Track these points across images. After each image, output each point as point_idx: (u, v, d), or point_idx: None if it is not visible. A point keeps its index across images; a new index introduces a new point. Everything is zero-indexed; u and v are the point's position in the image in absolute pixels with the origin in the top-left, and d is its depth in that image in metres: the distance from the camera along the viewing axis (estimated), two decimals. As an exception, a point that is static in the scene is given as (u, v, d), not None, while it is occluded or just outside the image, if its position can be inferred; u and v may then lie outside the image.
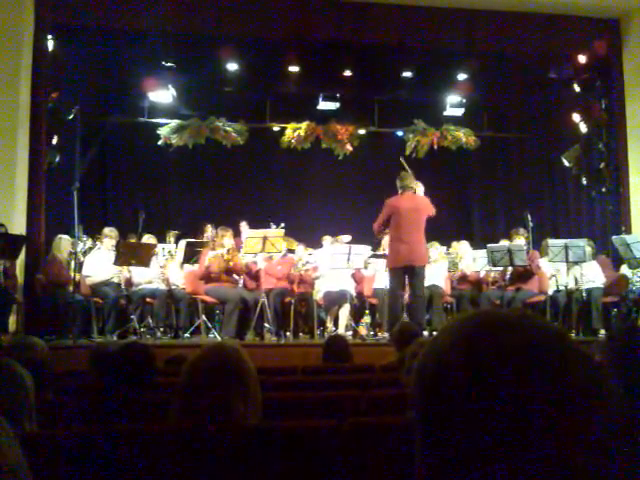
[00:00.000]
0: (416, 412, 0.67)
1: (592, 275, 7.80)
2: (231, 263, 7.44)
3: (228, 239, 7.48)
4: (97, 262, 7.58)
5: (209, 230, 8.86)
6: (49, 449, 1.69)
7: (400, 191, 6.85)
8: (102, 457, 1.67)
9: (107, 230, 7.85)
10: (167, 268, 8.04)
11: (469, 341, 0.64)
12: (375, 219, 6.88)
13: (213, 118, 10.05)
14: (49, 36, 7.83)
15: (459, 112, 10.38)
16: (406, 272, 6.72)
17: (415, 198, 6.87)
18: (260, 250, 7.52)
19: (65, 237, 7.48)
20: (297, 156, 10.56)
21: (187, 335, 7.63)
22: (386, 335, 7.00)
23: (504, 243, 8.05)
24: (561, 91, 9.83)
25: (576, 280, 7.73)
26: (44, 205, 7.65)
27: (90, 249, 8.00)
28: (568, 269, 7.85)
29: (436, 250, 8.22)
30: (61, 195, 7.83)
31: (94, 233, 8.30)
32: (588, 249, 7.64)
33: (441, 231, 8.54)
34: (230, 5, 8.23)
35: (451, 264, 8.55)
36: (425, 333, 7.52)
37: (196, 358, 1.78)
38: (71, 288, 6.91)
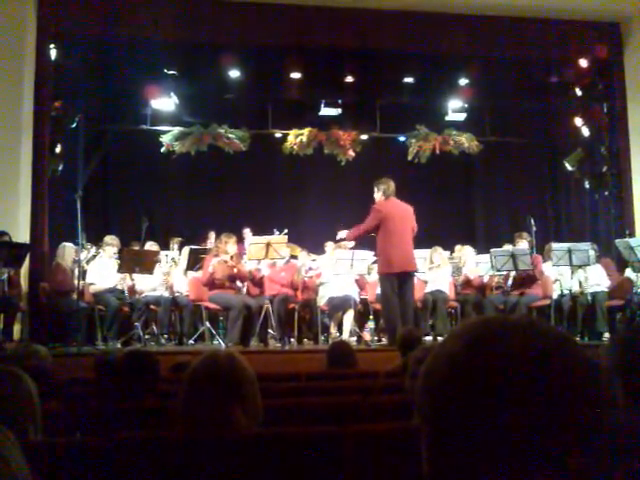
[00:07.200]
0: (423, 417, 0.67)
1: (596, 279, 7.78)
2: (235, 269, 7.44)
3: (232, 245, 7.47)
4: (100, 270, 7.59)
5: (212, 237, 8.87)
6: (53, 457, 1.68)
7: (384, 197, 6.77)
8: (105, 465, 1.67)
9: (108, 238, 7.86)
10: (171, 275, 8.04)
11: (475, 347, 0.64)
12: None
13: (215, 125, 10.06)
14: (51, 45, 7.86)
15: (461, 117, 10.38)
16: (397, 277, 6.62)
17: (401, 204, 6.79)
18: (263, 256, 7.53)
19: (69, 245, 7.49)
20: (299, 162, 10.56)
21: (191, 342, 7.63)
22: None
23: (507, 247, 8.03)
24: (563, 95, 9.83)
25: (580, 284, 7.71)
26: (47, 213, 7.67)
27: (94, 257, 8.01)
28: (572, 273, 7.84)
29: (440, 255, 8.20)
30: (64, 203, 7.85)
31: (97, 241, 8.32)
32: (592, 253, 7.62)
33: (444, 236, 8.52)
34: (231, 13, 8.26)
35: (455, 269, 8.53)
36: (429, 338, 7.52)
37: (193, 367, 1.78)
38: (75, 296, 6.91)
